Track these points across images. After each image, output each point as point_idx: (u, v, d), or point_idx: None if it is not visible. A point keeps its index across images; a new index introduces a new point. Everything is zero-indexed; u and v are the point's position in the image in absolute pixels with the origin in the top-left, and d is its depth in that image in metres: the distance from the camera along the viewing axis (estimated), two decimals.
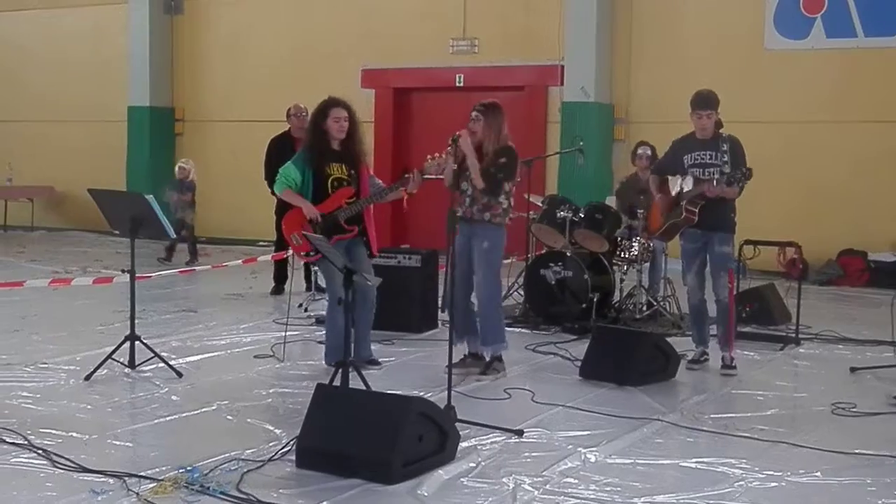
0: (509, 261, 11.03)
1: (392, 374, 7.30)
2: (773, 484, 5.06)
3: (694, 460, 5.41)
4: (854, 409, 6.51)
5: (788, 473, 5.20)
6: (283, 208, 7.94)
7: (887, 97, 12.44)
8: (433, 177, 7.32)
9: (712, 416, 6.35)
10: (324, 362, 7.51)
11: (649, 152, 10.10)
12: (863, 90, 12.84)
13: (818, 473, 5.22)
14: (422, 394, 6.32)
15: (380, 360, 7.64)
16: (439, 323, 9.08)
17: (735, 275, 7.98)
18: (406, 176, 7.36)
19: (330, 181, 7.33)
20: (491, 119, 7.24)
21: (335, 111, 7.31)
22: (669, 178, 7.71)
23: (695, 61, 13.57)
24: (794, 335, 8.76)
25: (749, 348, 8.17)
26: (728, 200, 7.61)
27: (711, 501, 4.77)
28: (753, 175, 7.37)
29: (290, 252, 10.27)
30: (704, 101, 7.59)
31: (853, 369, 7.73)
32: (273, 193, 10.25)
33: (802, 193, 12.93)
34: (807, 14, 13.25)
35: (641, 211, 9.58)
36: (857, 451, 5.60)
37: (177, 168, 14.14)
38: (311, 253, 7.32)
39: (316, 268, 9.70)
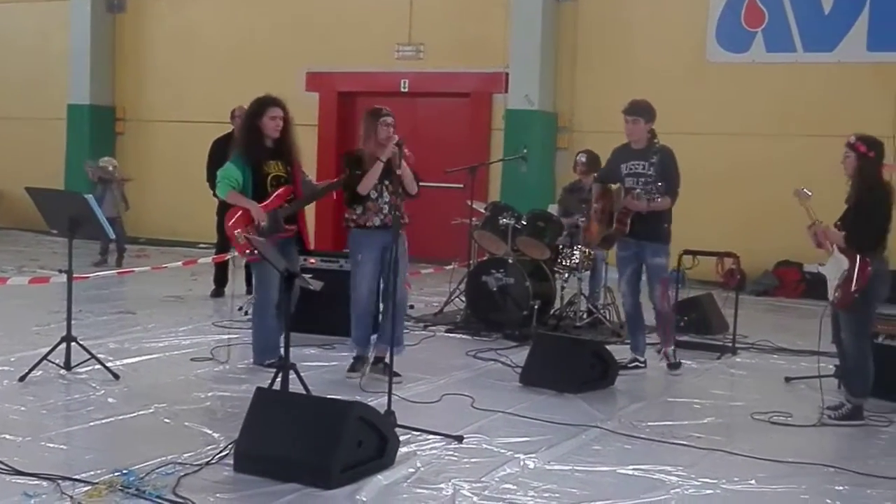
0: (451, 266, 11.06)
1: (332, 378, 7.28)
2: (709, 491, 5.13)
3: (631, 467, 5.46)
4: (789, 419, 6.61)
5: (724, 481, 5.27)
6: (225, 209, 7.89)
7: (826, 112, 12.62)
8: None
9: (650, 423, 6.41)
10: (252, 362, 7.61)
11: (583, 159, 10.21)
12: (802, 104, 13.02)
13: (753, 481, 5.29)
14: (361, 398, 6.30)
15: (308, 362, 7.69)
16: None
17: (673, 284, 8.08)
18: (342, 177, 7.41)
19: (269, 179, 7.39)
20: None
21: (271, 110, 7.36)
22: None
23: (639, 72, 13.68)
24: (730, 344, 8.87)
25: (686, 357, 8.24)
26: (660, 212, 7.68)
27: None
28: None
29: (231, 255, 10.22)
30: (631, 107, 7.73)
31: (788, 379, 7.85)
32: (215, 195, 10.15)
33: (742, 205, 13.09)
34: (748, 28, 13.42)
35: (583, 219, 9.64)
36: (791, 459, 5.68)
37: (111, 167, 13.73)
38: (255, 252, 7.33)
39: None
